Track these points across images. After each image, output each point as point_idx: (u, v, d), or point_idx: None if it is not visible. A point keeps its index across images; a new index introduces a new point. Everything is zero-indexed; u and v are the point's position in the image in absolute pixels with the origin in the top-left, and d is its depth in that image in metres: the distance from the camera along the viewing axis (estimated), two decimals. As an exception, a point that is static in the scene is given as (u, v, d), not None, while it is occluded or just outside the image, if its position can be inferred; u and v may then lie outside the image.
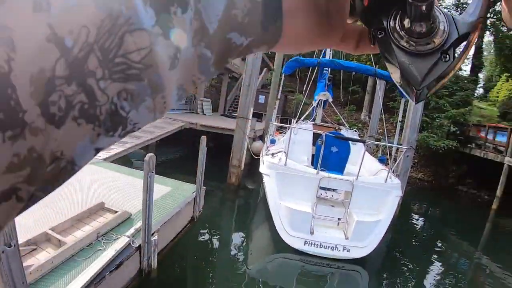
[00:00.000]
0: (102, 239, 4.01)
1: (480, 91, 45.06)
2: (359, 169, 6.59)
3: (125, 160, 9.21)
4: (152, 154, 4.19)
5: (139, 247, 4.18)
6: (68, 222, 4.16)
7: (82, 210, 4.48)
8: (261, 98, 19.26)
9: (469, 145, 16.63)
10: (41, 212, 4.37)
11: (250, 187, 10.73)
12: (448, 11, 0.37)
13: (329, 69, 11.23)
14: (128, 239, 4.08)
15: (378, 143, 12.51)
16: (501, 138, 14.34)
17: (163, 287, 4.72)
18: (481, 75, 45.89)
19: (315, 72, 11.54)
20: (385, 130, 8.78)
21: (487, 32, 26.95)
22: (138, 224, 4.38)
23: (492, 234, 11.11)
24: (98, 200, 4.87)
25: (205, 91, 22.60)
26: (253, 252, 6.60)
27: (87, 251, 3.77)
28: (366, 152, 9.42)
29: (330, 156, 7.60)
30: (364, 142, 7.59)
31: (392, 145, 8.36)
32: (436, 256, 8.33)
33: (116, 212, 4.59)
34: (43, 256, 3.45)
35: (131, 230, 4.30)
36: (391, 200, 6.65)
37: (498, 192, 12.97)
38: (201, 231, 6.80)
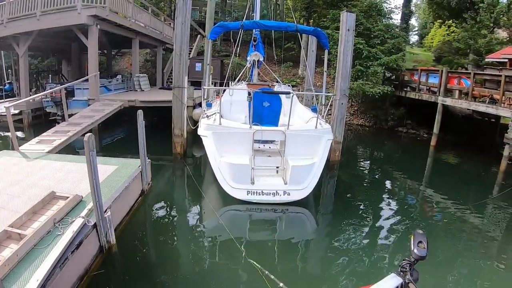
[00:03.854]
0: (59, 225, 4.27)
1: (415, 38, 47.45)
2: (289, 119, 7.15)
3: (70, 150, 9.24)
4: (90, 133, 4.35)
5: (95, 225, 4.50)
6: (24, 216, 4.35)
7: (35, 203, 4.66)
8: (198, 66, 19.30)
9: (404, 89, 17.66)
10: (-3, 214, 4.54)
11: (196, 153, 11.06)
12: None
13: (258, 30, 11.59)
14: (83, 219, 4.40)
15: (304, 93, 13.18)
16: (434, 80, 15.43)
17: (125, 260, 4.99)
18: (416, 23, 48.15)
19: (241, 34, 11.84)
20: (324, 81, 9.25)
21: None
22: (90, 204, 4.68)
23: (433, 168, 12.11)
24: (49, 191, 5.06)
25: (141, 67, 22.14)
26: (206, 211, 7.02)
27: (47, 238, 4.01)
28: (299, 103, 10.05)
29: (263, 111, 8.13)
30: (289, 93, 8.07)
31: (318, 93, 8.97)
32: (384, 193, 9.00)
33: (67, 197, 4.84)
34: (7, 252, 3.63)
35: (85, 211, 4.61)
36: (323, 144, 7.27)
37: (435, 130, 14.13)
38: (154, 202, 7.10)
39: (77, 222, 4.36)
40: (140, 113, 6.54)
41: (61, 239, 4.02)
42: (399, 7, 24.38)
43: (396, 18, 26.67)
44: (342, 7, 19.38)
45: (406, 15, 27.07)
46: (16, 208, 4.76)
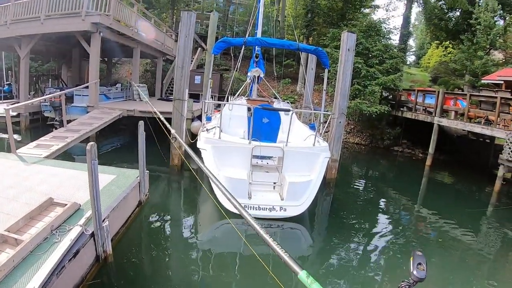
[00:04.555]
0: (57, 232, 4.25)
1: (412, 58, 48.27)
2: (288, 136, 7.24)
3: (67, 156, 9.22)
4: (93, 143, 4.36)
5: (92, 234, 4.48)
6: (21, 221, 4.33)
7: (32, 208, 4.64)
8: (197, 79, 19.41)
9: (401, 109, 17.87)
10: (-7, 217, 4.51)
11: (193, 166, 11.07)
12: None
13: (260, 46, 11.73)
14: (81, 227, 4.39)
15: (303, 110, 13.30)
16: (430, 100, 15.68)
17: (121, 271, 4.96)
18: (413, 44, 49.03)
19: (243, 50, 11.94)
20: (323, 100, 9.35)
21: (415, 3, 28.01)
22: (88, 213, 4.67)
23: (428, 188, 12.16)
24: (46, 196, 5.04)
25: (140, 77, 22.23)
26: (201, 224, 7.07)
27: (44, 245, 3.98)
28: (297, 120, 10.15)
29: (263, 127, 8.20)
30: (288, 110, 8.18)
31: (317, 111, 9.08)
32: (378, 212, 9.06)
33: (65, 205, 4.83)
34: (3, 257, 3.58)
35: (83, 220, 4.59)
36: (320, 162, 7.35)
37: (431, 150, 14.27)
38: (151, 213, 7.09)
39: (75, 231, 4.34)
40: (141, 124, 6.59)
41: (58, 246, 4.00)
42: (397, 28, 24.77)
43: (395, 39, 27.02)
44: (342, 26, 19.68)
45: (405, 35, 27.43)
46: (12, 212, 4.74)
